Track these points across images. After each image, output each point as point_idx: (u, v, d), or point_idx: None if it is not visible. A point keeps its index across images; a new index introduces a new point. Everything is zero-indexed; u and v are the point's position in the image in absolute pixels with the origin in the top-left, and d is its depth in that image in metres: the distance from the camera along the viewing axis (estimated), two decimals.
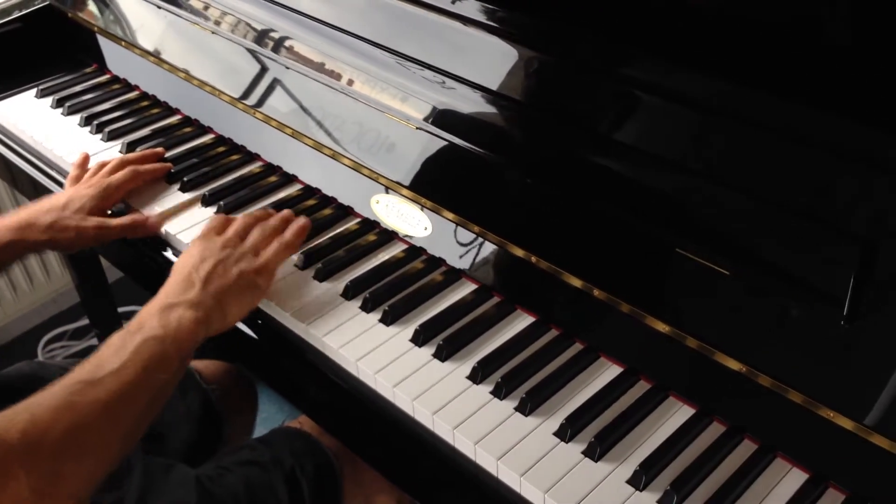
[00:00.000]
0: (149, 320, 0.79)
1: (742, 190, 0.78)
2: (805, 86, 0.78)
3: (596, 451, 0.78)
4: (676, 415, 0.83)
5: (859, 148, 0.71)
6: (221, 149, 1.22)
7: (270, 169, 1.18)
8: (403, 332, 0.91)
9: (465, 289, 0.97)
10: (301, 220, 1.01)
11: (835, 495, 0.75)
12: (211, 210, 1.10)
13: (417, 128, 1.03)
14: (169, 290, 0.84)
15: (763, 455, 0.78)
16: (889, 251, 0.71)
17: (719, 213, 0.81)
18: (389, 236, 1.05)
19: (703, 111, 0.81)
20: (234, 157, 1.20)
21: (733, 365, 0.80)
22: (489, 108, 0.98)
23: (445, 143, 1.01)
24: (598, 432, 0.80)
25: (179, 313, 0.80)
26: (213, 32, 1.26)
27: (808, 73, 0.79)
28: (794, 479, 0.77)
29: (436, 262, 1.00)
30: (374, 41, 1.09)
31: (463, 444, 0.81)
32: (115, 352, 0.74)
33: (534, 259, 0.93)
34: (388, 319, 0.92)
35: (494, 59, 0.97)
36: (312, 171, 1.15)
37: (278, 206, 1.10)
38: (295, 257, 1.01)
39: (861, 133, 0.71)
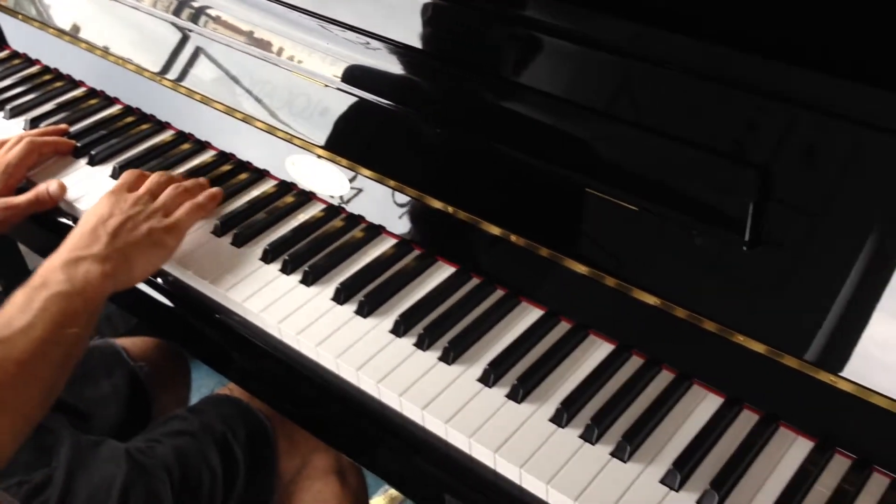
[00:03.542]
0: (53, 274, 0.77)
1: (644, 127, 0.79)
2: (697, 19, 0.78)
3: (519, 394, 0.79)
4: (598, 351, 0.84)
5: (750, 78, 0.73)
6: (130, 119, 1.19)
7: (182, 137, 1.15)
8: (325, 292, 0.91)
9: (386, 244, 0.97)
10: (215, 189, 1.00)
11: (749, 415, 0.78)
12: None
13: (326, 85, 1.01)
14: (74, 244, 0.82)
15: (680, 383, 0.80)
16: (784, 177, 0.72)
17: (624, 151, 0.81)
18: (307, 197, 1.04)
19: (601, 50, 0.81)
20: (144, 126, 1.17)
21: (650, 300, 0.82)
22: (397, 62, 0.97)
23: (356, 99, 0.99)
24: (520, 375, 0.81)
25: (86, 267, 0.79)
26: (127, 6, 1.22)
27: (696, 6, 0.80)
28: (711, 403, 0.79)
29: (355, 219, 1.00)
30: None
31: (389, 397, 0.81)
32: (22, 309, 0.73)
33: (451, 210, 0.93)
34: (308, 280, 0.92)
35: (399, 9, 0.96)
36: (225, 136, 1.13)
37: (192, 173, 1.07)
38: (211, 224, 0.99)
39: (752, 63, 0.72)
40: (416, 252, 0.95)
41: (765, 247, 0.74)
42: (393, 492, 1.63)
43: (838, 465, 0.73)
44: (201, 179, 1.01)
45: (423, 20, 0.93)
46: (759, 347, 0.77)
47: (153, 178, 0.96)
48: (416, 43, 0.94)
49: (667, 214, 0.78)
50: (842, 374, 0.72)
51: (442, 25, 0.94)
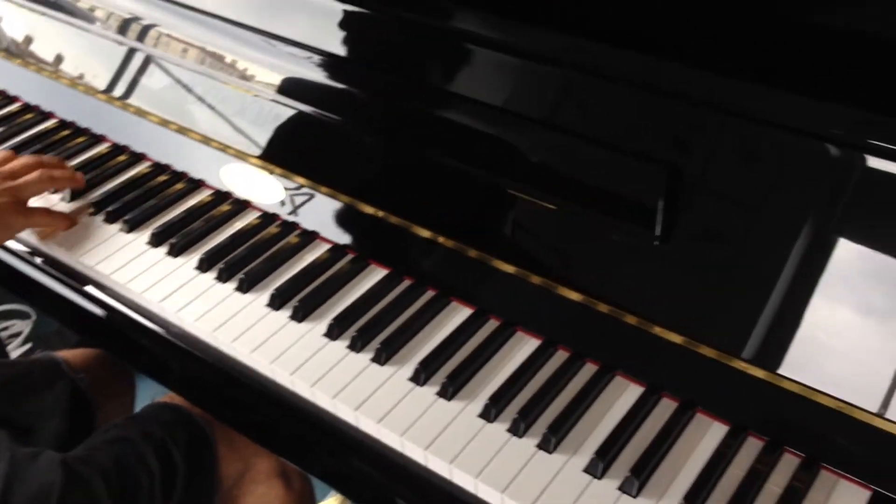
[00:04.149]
0: None
1: (560, 129, 0.82)
2: (606, 24, 0.82)
3: (448, 391, 0.82)
4: (525, 347, 0.87)
5: (657, 80, 0.76)
6: (65, 132, 1.19)
7: (118, 149, 1.16)
8: (260, 298, 0.93)
9: (320, 249, 0.99)
10: (79, 174, 1.08)
11: (667, 403, 0.81)
12: (56, 196, 1.08)
13: (256, 95, 1.03)
14: None
15: (603, 375, 0.83)
16: (692, 174, 0.76)
17: (541, 153, 0.85)
18: (243, 205, 1.05)
19: (518, 57, 0.84)
20: (80, 139, 1.18)
21: (573, 296, 0.85)
22: (327, 72, 0.99)
23: (289, 109, 1.01)
24: (449, 373, 0.83)
25: None
26: (42, 15, 1.22)
27: (602, 11, 0.83)
28: (632, 393, 0.82)
29: (290, 226, 1.02)
30: (208, 12, 1.08)
31: (323, 399, 0.83)
32: None
33: (382, 214, 0.95)
34: (244, 287, 0.93)
35: (325, 21, 0.98)
36: (161, 147, 1.13)
37: (129, 184, 1.09)
38: (147, 234, 1.01)
39: (656, 66, 0.76)
40: (350, 256, 0.97)
41: (676, 241, 0.78)
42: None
43: (752, 448, 0.77)
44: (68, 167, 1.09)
45: (348, 31, 0.95)
46: (676, 338, 0.80)
47: (20, 160, 1.04)
48: (345, 53, 0.96)
49: (583, 212, 0.82)
50: (754, 361, 0.76)
51: (368, 36, 0.96)
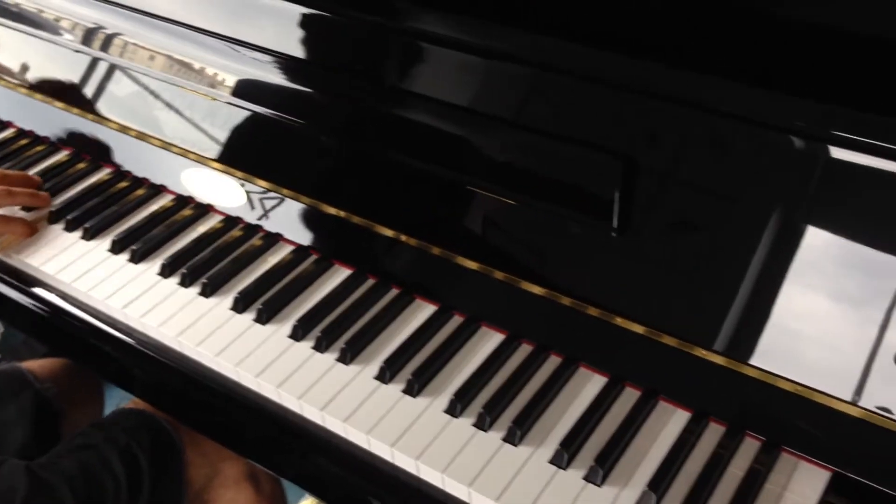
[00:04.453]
0: None
1: (516, 125, 0.83)
2: (559, 19, 0.83)
3: (414, 388, 0.82)
4: (489, 342, 0.87)
5: (611, 74, 0.77)
6: (24, 142, 1.18)
7: (77, 157, 1.15)
8: (224, 302, 0.92)
9: (284, 251, 0.99)
10: (43, 193, 1.07)
11: (631, 392, 0.82)
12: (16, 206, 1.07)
13: (214, 99, 1.02)
14: None
15: (567, 367, 0.84)
16: (647, 165, 0.77)
17: (499, 149, 0.85)
18: (205, 209, 1.05)
19: (473, 54, 0.85)
20: (39, 148, 1.17)
21: (537, 290, 0.86)
22: (283, 74, 0.98)
23: (247, 112, 1.01)
24: (415, 370, 0.84)
25: None
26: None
27: (558, 7, 0.84)
28: (596, 384, 0.83)
29: (253, 228, 1.01)
30: (165, 16, 1.07)
31: (289, 400, 0.83)
32: None
33: (344, 215, 0.96)
34: (206, 291, 0.93)
35: (282, 24, 0.98)
36: (121, 153, 1.13)
37: (90, 191, 1.08)
38: (108, 241, 1.00)
39: (612, 60, 0.77)
40: (314, 257, 0.98)
41: (634, 232, 0.79)
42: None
43: (714, 433, 0.78)
44: (33, 177, 1.09)
45: (306, 33, 0.95)
46: (638, 329, 0.81)
47: None
48: (301, 55, 0.96)
49: (542, 206, 0.82)
50: (714, 349, 0.77)
51: (323, 38, 0.96)
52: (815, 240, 0.73)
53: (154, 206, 1.06)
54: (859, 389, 0.72)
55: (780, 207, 0.74)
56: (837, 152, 0.71)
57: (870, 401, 0.71)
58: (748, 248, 0.75)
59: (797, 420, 0.75)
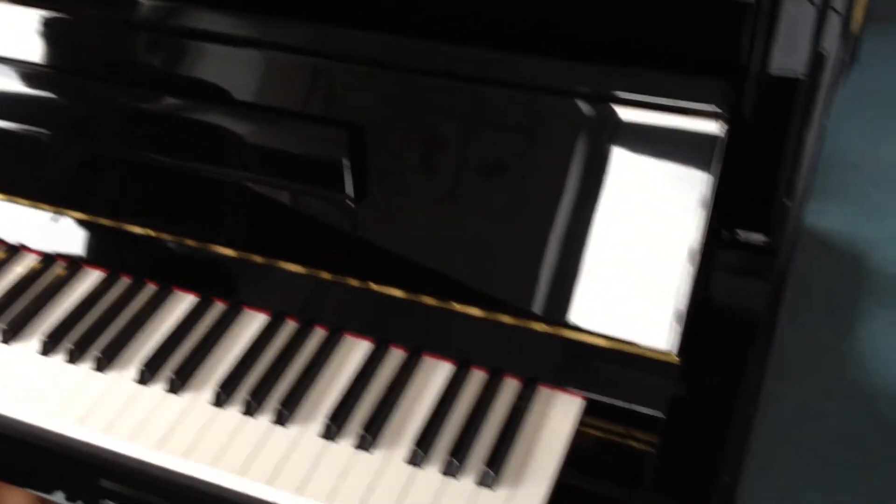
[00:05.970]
0: None
1: (244, 105, 0.81)
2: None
3: (176, 386, 0.80)
4: (253, 325, 0.86)
5: (331, 47, 0.77)
6: None
7: None
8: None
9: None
10: None
11: (396, 353, 0.83)
12: None
13: None
14: None
15: (330, 340, 0.84)
16: (376, 132, 0.77)
17: (230, 132, 0.83)
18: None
19: (203, 40, 0.83)
20: None
21: (295, 268, 0.85)
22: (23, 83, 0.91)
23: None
24: (176, 368, 0.81)
25: None
26: None
27: None
28: (360, 350, 0.83)
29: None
30: None
31: (43, 420, 0.79)
32: None
33: (89, 218, 0.91)
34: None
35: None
36: None
37: None
38: None
39: (330, 33, 0.76)
40: (63, 264, 0.92)
41: (371, 199, 0.79)
42: None
43: (477, 380, 0.81)
44: None
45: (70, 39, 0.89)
46: (397, 293, 0.82)
47: None
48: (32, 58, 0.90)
49: (278, 183, 0.81)
50: (469, 302, 0.80)
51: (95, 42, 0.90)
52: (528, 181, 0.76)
53: None
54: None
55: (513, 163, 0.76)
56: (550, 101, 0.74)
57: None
58: (481, 205, 0.78)
59: (546, 355, 0.79)
